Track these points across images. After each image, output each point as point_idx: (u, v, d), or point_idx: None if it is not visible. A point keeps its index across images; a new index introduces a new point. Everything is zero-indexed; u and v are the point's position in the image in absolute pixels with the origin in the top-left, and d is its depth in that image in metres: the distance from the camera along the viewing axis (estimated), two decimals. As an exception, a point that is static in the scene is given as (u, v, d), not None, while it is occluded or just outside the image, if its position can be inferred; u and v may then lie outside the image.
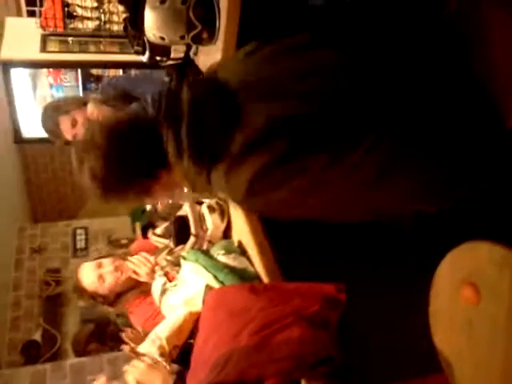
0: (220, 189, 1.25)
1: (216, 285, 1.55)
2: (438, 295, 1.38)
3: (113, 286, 2.13)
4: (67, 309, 3.74)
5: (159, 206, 1.81)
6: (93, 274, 2.13)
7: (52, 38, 3.43)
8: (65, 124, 2.35)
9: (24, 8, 3.83)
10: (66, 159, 4.23)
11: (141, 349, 1.56)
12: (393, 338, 1.51)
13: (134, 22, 1.76)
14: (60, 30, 2.71)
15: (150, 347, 1.57)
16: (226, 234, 1.84)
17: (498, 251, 1.17)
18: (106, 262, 2.17)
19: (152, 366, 1.54)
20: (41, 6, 3.29)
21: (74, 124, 2.34)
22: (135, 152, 1.23)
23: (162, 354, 1.57)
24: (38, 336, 3.59)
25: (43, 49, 3.39)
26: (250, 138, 1.12)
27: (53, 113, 2.39)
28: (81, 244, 4.08)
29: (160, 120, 1.22)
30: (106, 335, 3.52)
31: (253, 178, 1.12)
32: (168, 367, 1.57)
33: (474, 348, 1.25)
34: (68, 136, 2.37)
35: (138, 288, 2.15)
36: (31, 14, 3.68)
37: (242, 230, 1.65)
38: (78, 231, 4.13)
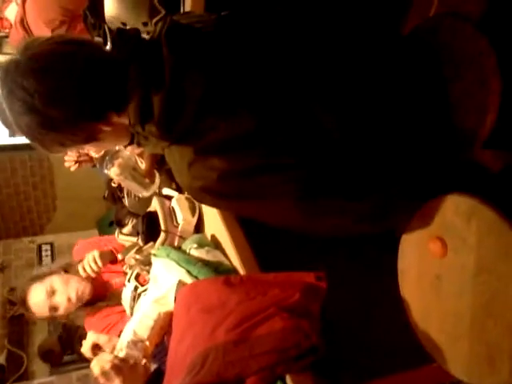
0: (174, 164, 1.19)
1: (189, 280, 1.45)
2: (405, 254, 1.35)
3: (68, 311, 1.98)
4: (33, 328, 3.63)
5: (127, 202, 1.70)
6: (44, 305, 1.95)
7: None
8: None
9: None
10: (28, 173, 4.09)
11: (121, 354, 1.45)
12: (382, 330, 1.45)
13: (94, 8, 1.67)
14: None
15: (132, 351, 1.46)
16: (198, 229, 1.74)
17: (465, 202, 1.14)
18: (59, 285, 1.96)
19: (134, 367, 1.42)
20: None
21: None
22: (89, 86, 1.07)
23: (145, 356, 1.46)
24: (2, 359, 3.48)
25: (-1, 50, 3.31)
26: (239, 135, 1.08)
27: None
28: (47, 260, 3.97)
29: (122, 61, 1.10)
30: (74, 340, 3.41)
31: (220, 176, 1.11)
32: (151, 368, 1.48)
33: (441, 301, 1.23)
34: None
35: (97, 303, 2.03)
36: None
37: (215, 222, 1.57)
38: (44, 247, 4.02)
